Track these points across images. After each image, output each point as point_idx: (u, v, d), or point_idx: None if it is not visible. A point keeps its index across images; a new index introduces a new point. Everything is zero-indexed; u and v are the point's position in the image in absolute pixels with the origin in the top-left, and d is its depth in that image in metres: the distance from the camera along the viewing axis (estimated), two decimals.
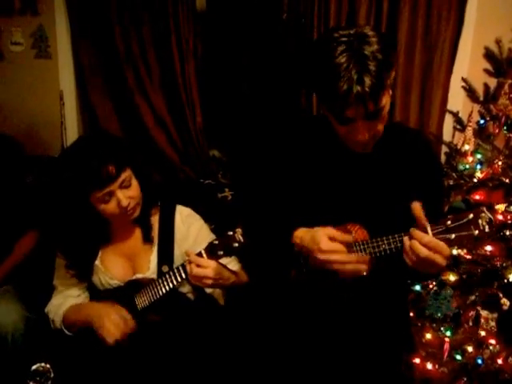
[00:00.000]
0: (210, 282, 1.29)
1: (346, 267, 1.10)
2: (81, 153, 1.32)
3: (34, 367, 1.15)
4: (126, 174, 1.32)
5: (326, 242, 1.10)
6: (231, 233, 1.24)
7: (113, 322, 1.34)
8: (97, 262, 1.45)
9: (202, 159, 2.54)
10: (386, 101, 1.06)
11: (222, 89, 2.76)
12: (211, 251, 1.27)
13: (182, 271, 1.34)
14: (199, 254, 1.28)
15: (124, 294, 1.42)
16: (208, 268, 1.28)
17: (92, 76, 2.51)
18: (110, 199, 1.31)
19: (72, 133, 2.61)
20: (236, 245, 1.24)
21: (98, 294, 1.47)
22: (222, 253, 1.26)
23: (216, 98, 2.71)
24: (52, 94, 2.59)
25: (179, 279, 1.34)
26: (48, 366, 1.15)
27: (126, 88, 2.46)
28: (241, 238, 1.23)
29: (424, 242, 1.01)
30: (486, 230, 1.01)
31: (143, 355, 1.38)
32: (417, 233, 1.03)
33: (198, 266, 1.28)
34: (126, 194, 1.32)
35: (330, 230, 1.12)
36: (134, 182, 1.35)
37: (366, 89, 0.99)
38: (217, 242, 1.27)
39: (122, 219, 1.39)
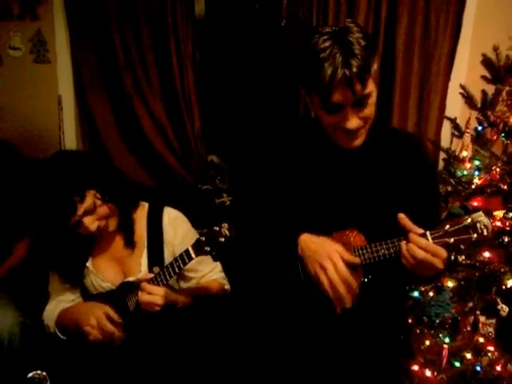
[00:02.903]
0: (158, 308, 1.31)
1: (334, 288, 1.11)
2: (41, 186, 1.31)
3: (30, 375, 1.14)
4: (88, 201, 1.31)
5: (336, 255, 1.11)
6: (217, 228, 1.23)
7: (96, 319, 1.35)
8: (88, 264, 1.46)
9: (200, 164, 2.54)
10: (372, 88, 1.08)
11: (221, 94, 2.77)
12: (198, 248, 1.27)
13: (170, 270, 1.33)
14: (187, 252, 1.28)
15: (116, 296, 1.42)
16: (157, 296, 1.30)
17: (91, 81, 2.51)
18: (79, 225, 1.32)
19: (70, 137, 2.60)
20: (222, 239, 1.23)
21: (91, 298, 1.47)
22: (208, 248, 1.25)
23: (214, 104, 2.72)
24: (50, 98, 2.58)
25: (168, 278, 1.33)
26: (44, 373, 1.14)
27: (124, 93, 2.46)
28: (227, 232, 1.23)
29: (421, 246, 1.03)
30: (485, 233, 1.02)
31: (138, 357, 1.38)
32: (414, 237, 1.05)
33: (149, 293, 1.30)
34: (92, 218, 1.33)
35: (342, 249, 1.13)
36: (100, 205, 1.34)
37: (353, 69, 1.01)
38: (203, 239, 1.26)
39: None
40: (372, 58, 1.06)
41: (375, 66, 1.09)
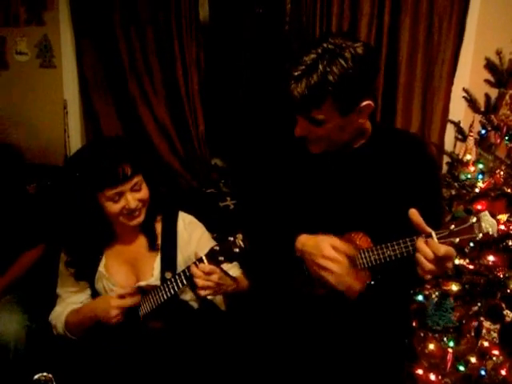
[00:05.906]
0: (211, 284, 1.28)
1: (341, 280, 1.11)
2: (98, 151, 1.36)
3: (35, 377, 1.14)
4: (139, 178, 1.36)
5: (330, 250, 1.12)
6: (232, 238, 1.24)
7: (109, 302, 1.37)
8: (100, 269, 1.46)
9: (204, 168, 2.55)
10: (325, 117, 1.10)
11: (225, 98, 2.78)
12: (212, 257, 1.27)
13: (183, 277, 1.33)
14: (200, 260, 1.28)
15: None
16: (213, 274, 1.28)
17: (96, 85, 2.54)
18: (119, 199, 1.33)
19: (75, 141, 2.63)
20: (236, 250, 1.24)
21: None
22: (222, 258, 1.26)
23: (218, 108, 2.73)
24: (56, 103, 2.61)
25: (180, 285, 1.34)
26: (50, 375, 1.14)
27: (129, 97, 2.48)
28: (241, 243, 1.23)
29: (441, 254, 1.02)
30: (490, 232, 1.01)
31: (146, 362, 1.38)
32: (433, 244, 1.03)
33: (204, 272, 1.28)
34: (136, 196, 1.35)
35: (335, 240, 1.14)
36: (144, 188, 1.39)
37: (295, 92, 1.07)
38: (217, 248, 1.27)
39: (126, 222, 1.39)
40: (333, 99, 1.06)
41: (346, 107, 1.10)
